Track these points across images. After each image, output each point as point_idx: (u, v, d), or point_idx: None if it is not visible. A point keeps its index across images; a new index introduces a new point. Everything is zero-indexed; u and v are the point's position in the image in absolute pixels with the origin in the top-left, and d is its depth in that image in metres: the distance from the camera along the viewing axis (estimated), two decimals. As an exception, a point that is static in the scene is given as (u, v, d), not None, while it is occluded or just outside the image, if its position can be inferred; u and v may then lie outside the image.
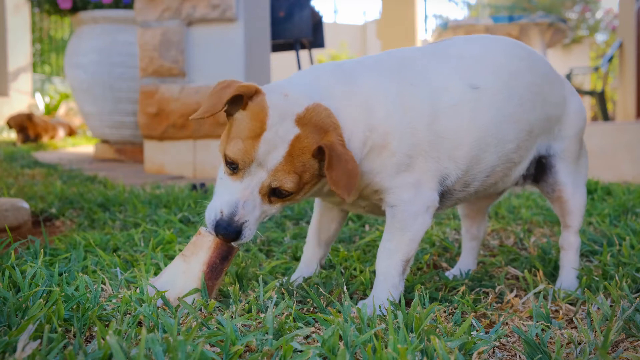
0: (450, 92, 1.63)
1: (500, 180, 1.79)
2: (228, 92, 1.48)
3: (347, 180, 1.45)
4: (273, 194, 1.51)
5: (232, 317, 1.46)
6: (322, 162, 1.49)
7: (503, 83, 1.69)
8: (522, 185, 1.93)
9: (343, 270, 1.97)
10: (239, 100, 1.50)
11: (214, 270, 1.58)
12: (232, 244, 1.58)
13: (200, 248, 1.57)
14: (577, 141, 1.86)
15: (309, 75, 1.62)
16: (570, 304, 1.69)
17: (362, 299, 1.69)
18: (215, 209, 1.50)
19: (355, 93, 1.57)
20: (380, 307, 1.56)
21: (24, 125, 8.30)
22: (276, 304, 1.56)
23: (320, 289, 1.74)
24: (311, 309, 1.61)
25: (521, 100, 1.71)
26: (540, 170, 1.87)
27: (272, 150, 1.46)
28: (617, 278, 1.77)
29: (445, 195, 1.71)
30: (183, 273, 1.58)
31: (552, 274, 2.02)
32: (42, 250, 1.94)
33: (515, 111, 1.70)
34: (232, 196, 1.48)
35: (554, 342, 1.38)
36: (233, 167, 1.48)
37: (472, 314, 1.48)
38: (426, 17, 21.01)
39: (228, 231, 1.47)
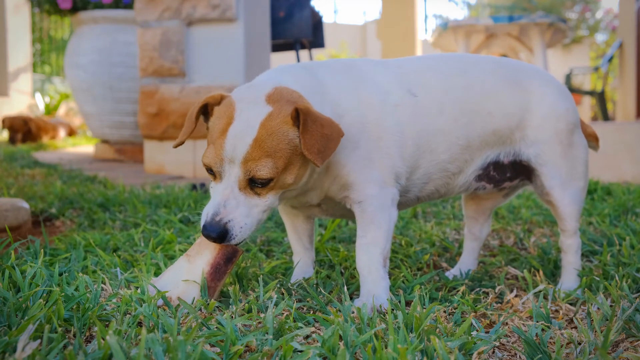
0: (392, 93, 1.70)
1: (442, 187, 1.83)
2: (195, 111, 1.55)
3: (323, 144, 1.45)
4: (253, 184, 1.50)
5: (232, 317, 1.46)
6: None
7: (433, 98, 1.74)
8: (500, 186, 1.91)
9: (343, 271, 1.97)
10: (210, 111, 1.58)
11: (218, 271, 1.58)
12: (230, 244, 1.57)
13: (206, 248, 1.59)
14: (557, 144, 1.80)
15: (272, 72, 1.69)
16: (570, 304, 1.69)
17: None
18: (204, 213, 1.53)
19: (319, 85, 1.64)
20: (381, 306, 1.57)
21: (15, 127, 8.36)
22: (276, 304, 1.56)
23: (320, 289, 1.74)
24: (311, 309, 1.61)
25: (454, 116, 1.74)
26: (530, 172, 1.86)
27: (239, 142, 1.47)
28: (617, 278, 1.77)
29: None
30: (187, 272, 1.59)
31: (552, 274, 2.02)
32: (42, 250, 1.94)
33: (447, 126, 1.74)
34: (215, 199, 1.51)
35: (554, 342, 1.38)
36: (211, 172, 1.52)
37: (472, 314, 1.48)
38: (426, 17, 20.99)
39: (210, 231, 1.49)
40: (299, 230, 1.92)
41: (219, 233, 1.48)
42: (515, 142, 1.82)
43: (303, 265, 1.92)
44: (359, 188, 1.65)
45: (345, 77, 1.69)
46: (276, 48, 6.27)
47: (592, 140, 1.97)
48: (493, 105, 1.78)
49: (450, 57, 1.87)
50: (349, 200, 1.68)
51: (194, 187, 3.62)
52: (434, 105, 1.73)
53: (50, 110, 11.64)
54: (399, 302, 1.62)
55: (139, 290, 1.59)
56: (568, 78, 10.05)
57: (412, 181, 1.76)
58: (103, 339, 1.21)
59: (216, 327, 1.36)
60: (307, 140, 1.44)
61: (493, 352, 1.35)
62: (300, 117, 1.46)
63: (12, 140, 8.34)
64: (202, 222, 1.52)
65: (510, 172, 1.87)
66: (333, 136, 1.48)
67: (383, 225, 1.66)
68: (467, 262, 2.10)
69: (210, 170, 1.51)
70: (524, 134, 1.81)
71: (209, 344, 1.29)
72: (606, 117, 9.02)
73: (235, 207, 1.49)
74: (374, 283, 1.63)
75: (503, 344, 1.40)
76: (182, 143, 1.55)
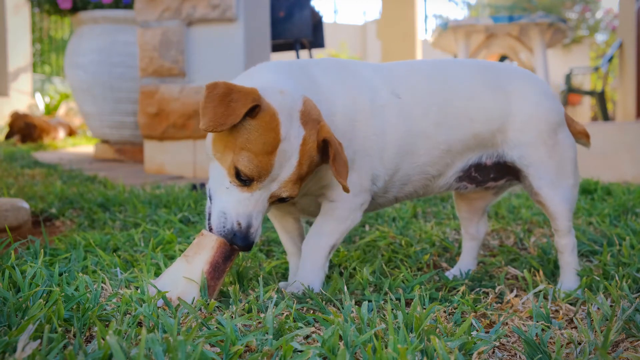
0: (380, 93, 1.73)
1: (421, 188, 1.85)
2: (241, 102, 1.42)
3: (345, 169, 1.53)
4: (278, 200, 1.55)
5: (232, 317, 1.46)
6: (322, 153, 1.55)
7: (417, 102, 1.75)
8: (484, 186, 1.91)
9: (342, 271, 1.97)
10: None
11: (217, 270, 1.58)
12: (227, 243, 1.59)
13: (203, 248, 1.58)
14: (541, 145, 1.80)
15: (274, 71, 1.65)
16: (570, 304, 1.69)
17: (361, 298, 1.69)
18: (230, 218, 1.51)
19: (314, 84, 1.66)
20: (309, 286, 1.65)
21: (14, 129, 8.37)
22: (276, 304, 1.55)
23: (320, 289, 1.74)
24: (311, 309, 1.61)
25: (436, 120, 1.76)
26: (517, 172, 1.86)
27: (286, 162, 1.48)
28: (617, 278, 1.77)
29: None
30: (185, 273, 1.58)
31: (552, 274, 2.02)
32: (42, 250, 1.94)
33: (429, 129, 1.75)
34: (246, 208, 1.51)
35: (554, 342, 1.38)
36: (244, 180, 1.49)
37: (472, 314, 1.48)
38: (426, 17, 21.02)
39: (247, 243, 1.51)
40: (289, 230, 1.92)
41: (252, 244, 1.53)
42: (498, 145, 1.82)
43: (296, 266, 1.91)
44: (337, 189, 1.70)
45: (338, 76, 1.71)
46: (276, 48, 6.27)
47: (583, 138, 1.96)
48: (474, 110, 1.79)
49: (436, 62, 1.89)
50: (323, 197, 1.73)
51: (194, 187, 3.62)
52: (418, 109, 1.75)
53: (50, 110, 11.63)
54: (399, 302, 1.62)
55: (139, 290, 1.59)
56: (568, 78, 10.05)
57: (391, 182, 1.78)
58: (103, 339, 1.21)
59: (216, 327, 1.36)
60: (337, 168, 1.50)
61: (493, 352, 1.35)
62: (331, 147, 1.50)
63: (8, 137, 8.33)
64: (227, 227, 1.51)
65: (495, 173, 1.87)
66: (347, 160, 1.55)
67: (343, 226, 1.73)
68: (466, 262, 2.10)
69: (244, 178, 1.48)
70: (506, 136, 1.81)
71: (209, 344, 1.29)
72: (606, 117, 9.03)
73: (260, 217, 1.53)
74: (312, 272, 1.71)
75: (503, 344, 1.40)
76: (222, 131, 1.42)
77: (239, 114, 1.41)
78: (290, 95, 1.52)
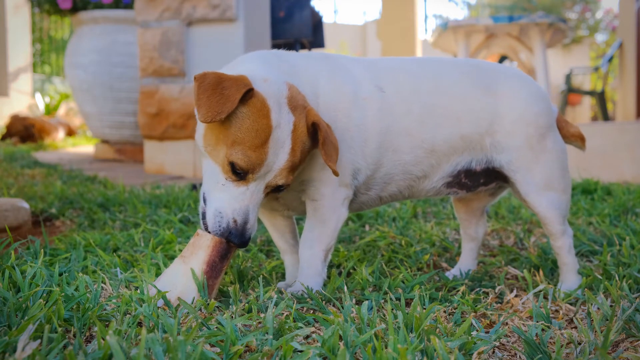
0: (363, 85, 1.72)
1: (405, 189, 1.83)
2: (234, 88, 1.42)
3: (335, 152, 1.52)
4: (273, 190, 1.54)
5: (232, 317, 1.46)
6: (312, 137, 1.55)
7: (401, 98, 1.74)
8: (475, 190, 1.90)
9: (342, 270, 1.97)
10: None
11: (214, 269, 1.57)
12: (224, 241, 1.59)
13: (199, 248, 1.57)
14: (528, 150, 1.77)
15: (254, 60, 1.64)
16: (570, 304, 1.69)
17: (361, 298, 1.69)
18: (226, 217, 1.51)
19: (295, 68, 1.65)
20: (308, 287, 1.64)
21: (11, 132, 8.38)
22: (276, 304, 1.55)
23: (320, 289, 1.74)
24: (311, 309, 1.61)
25: (420, 118, 1.74)
26: (505, 176, 1.84)
27: (279, 150, 1.48)
28: (617, 278, 1.77)
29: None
30: (183, 274, 1.58)
31: (552, 274, 2.02)
32: (42, 250, 1.94)
33: (412, 127, 1.74)
34: (242, 203, 1.50)
35: (554, 342, 1.38)
36: (239, 173, 1.48)
37: (472, 314, 1.48)
38: (426, 17, 20.99)
39: (244, 240, 1.51)
40: (279, 228, 1.91)
41: (248, 241, 1.52)
42: (487, 149, 1.80)
43: (294, 262, 1.91)
44: (317, 185, 1.69)
45: (320, 63, 1.71)
46: (276, 48, 6.27)
47: (577, 141, 1.94)
48: (461, 110, 1.77)
49: (424, 60, 1.88)
50: (304, 195, 1.73)
51: (194, 187, 3.62)
52: (401, 105, 1.73)
53: (50, 110, 11.62)
54: (399, 302, 1.62)
55: (138, 291, 1.59)
56: (568, 78, 10.05)
57: (373, 179, 1.77)
58: (103, 339, 1.21)
59: (216, 327, 1.36)
60: (327, 151, 1.49)
61: (493, 352, 1.35)
62: (320, 131, 1.50)
63: (4, 138, 8.34)
64: (223, 226, 1.50)
65: (484, 178, 1.86)
66: (337, 143, 1.54)
67: (331, 225, 1.71)
68: (466, 262, 2.09)
69: (240, 172, 1.48)
70: (495, 139, 1.78)
71: (209, 344, 1.29)
72: (606, 117, 9.02)
73: (256, 211, 1.53)
74: (311, 277, 1.70)
75: (503, 344, 1.40)
76: (221, 119, 1.40)
77: (235, 100, 1.41)
78: (274, 83, 1.52)
